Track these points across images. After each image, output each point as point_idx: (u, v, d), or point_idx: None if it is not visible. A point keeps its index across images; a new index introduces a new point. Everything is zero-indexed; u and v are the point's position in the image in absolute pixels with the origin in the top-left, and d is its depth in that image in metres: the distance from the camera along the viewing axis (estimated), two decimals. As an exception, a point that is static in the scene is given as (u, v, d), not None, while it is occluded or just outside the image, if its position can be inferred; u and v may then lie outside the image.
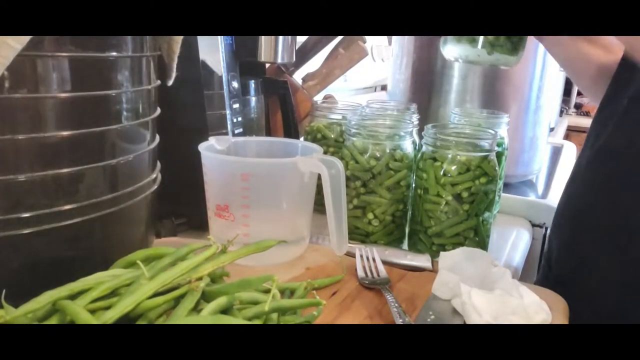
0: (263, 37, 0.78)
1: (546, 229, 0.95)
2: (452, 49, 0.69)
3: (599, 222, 0.64)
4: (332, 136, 0.84)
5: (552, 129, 1.95)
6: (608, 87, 0.69)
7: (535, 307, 0.51)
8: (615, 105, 0.65)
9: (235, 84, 0.76)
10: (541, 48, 0.96)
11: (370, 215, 0.70)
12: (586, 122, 1.77)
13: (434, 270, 0.62)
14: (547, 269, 0.74)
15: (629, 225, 0.61)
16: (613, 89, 0.68)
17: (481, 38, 0.67)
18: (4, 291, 0.38)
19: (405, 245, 0.73)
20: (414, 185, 0.70)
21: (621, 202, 0.62)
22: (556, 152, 1.46)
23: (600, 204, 0.65)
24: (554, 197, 0.99)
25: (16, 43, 0.39)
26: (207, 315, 0.41)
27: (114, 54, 0.48)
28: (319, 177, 0.60)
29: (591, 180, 0.66)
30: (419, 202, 0.68)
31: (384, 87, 1.87)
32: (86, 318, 0.38)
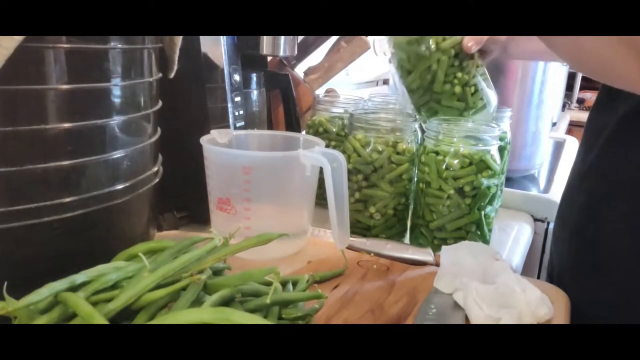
0: (265, 30, 0.77)
1: (548, 223, 0.95)
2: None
3: (593, 244, 0.64)
4: (334, 130, 0.84)
5: (554, 124, 1.94)
6: (598, 93, 0.68)
7: (538, 301, 0.50)
8: (606, 118, 0.64)
9: (236, 77, 0.76)
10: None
11: (372, 209, 0.70)
12: (589, 117, 1.76)
13: (435, 264, 0.62)
14: (549, 280, 0.74)
15: (621, 248, 0.60)
16: (604, 96, 0.67)
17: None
18: (5, 283, 0.38)
19: (407, 239, 0.73)
20: (415, 179, 0.70)
21: (611, 225, 0.61)
22: (558, 146, 1.46)
23: (591, 226, 0.64)
24: (556, 192, 0.98)
25: (17, 34, 0.39)
26: (209, 308, 0.41)
27: (116, 45, 0.47)
28: (321, 171, 0.60)
29: (582, 202, 0.66)
30: (420, 196, 0.68)
31: (385, 81, 1.86)
32: (88, 310, 0.38)
